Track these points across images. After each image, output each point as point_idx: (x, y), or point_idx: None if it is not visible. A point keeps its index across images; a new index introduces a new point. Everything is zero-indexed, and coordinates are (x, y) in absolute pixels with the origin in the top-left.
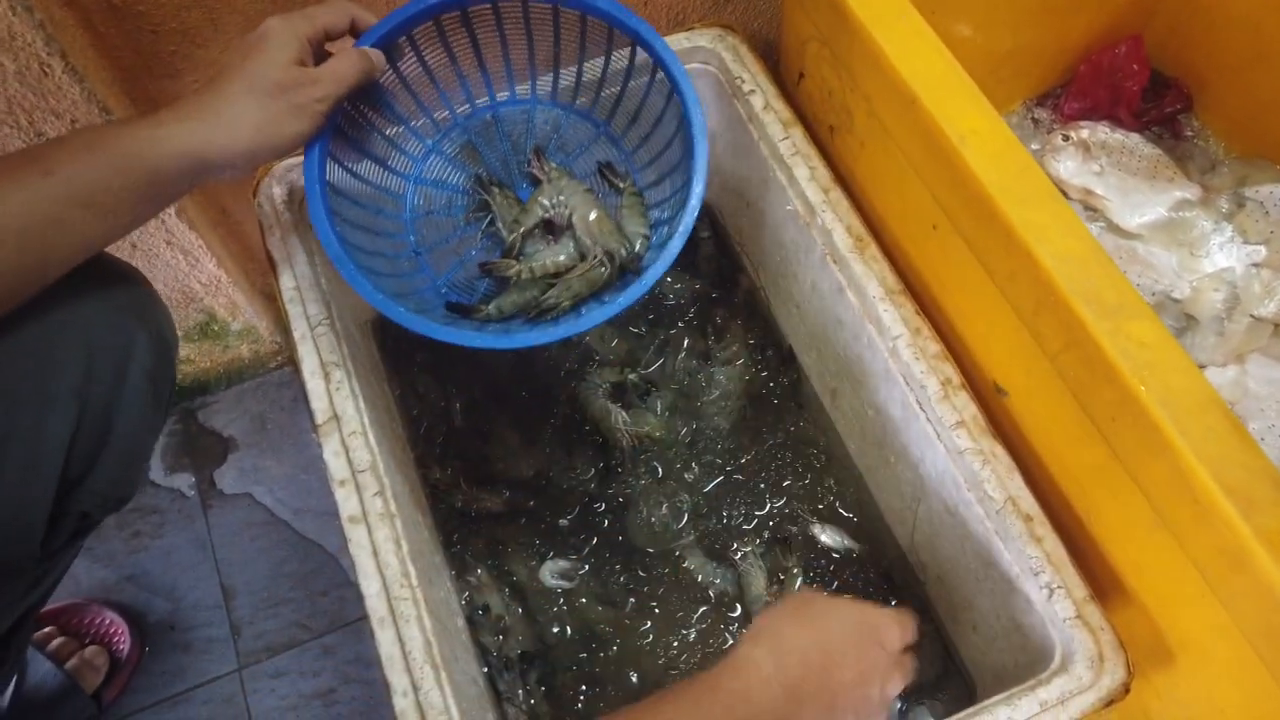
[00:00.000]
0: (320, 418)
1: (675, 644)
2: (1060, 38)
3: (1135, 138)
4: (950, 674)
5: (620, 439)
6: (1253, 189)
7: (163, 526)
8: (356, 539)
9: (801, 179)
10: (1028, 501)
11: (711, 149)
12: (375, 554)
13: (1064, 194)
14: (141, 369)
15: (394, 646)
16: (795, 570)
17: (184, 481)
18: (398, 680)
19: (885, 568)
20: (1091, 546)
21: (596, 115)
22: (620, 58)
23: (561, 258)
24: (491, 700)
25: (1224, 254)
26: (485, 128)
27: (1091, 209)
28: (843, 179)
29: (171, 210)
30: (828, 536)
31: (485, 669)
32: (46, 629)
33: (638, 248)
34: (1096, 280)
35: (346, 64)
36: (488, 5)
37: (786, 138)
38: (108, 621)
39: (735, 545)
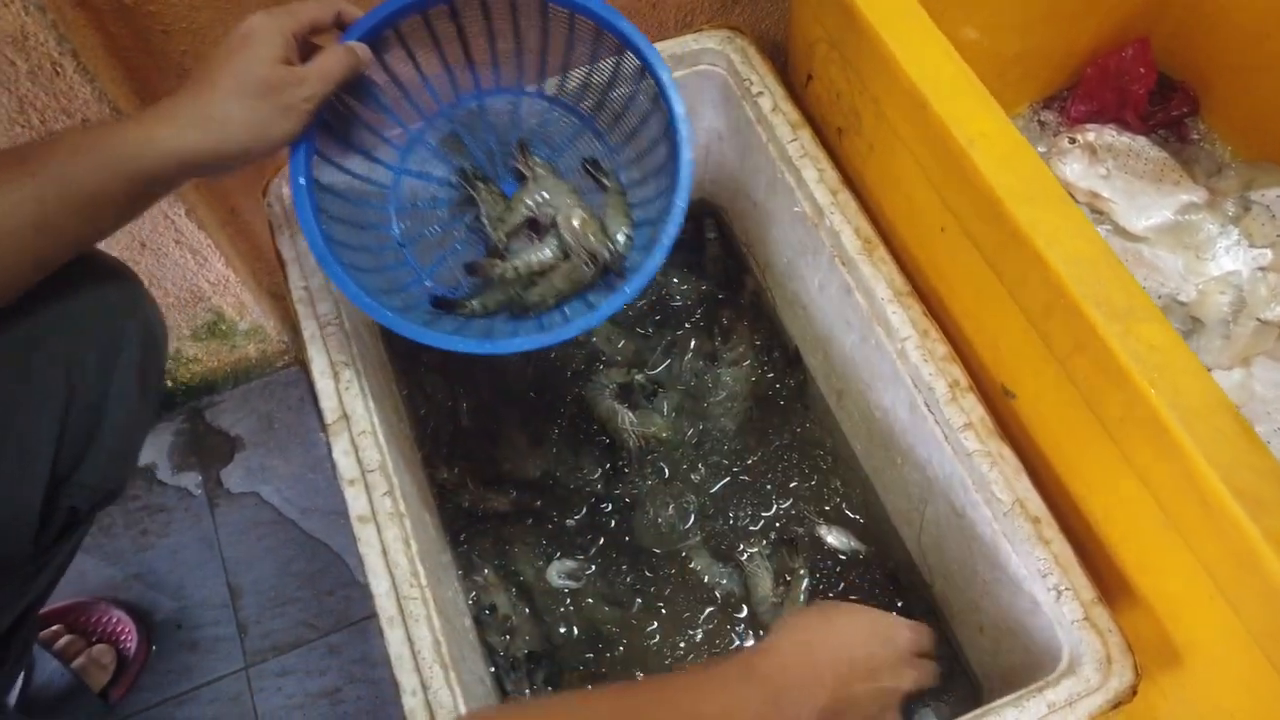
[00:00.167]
0: (330, 417)
1: (681, 644)
2: (1067, 41)
3: (1142, 141)
4: (956, 675)
5: (627, 440)
6: (1259, 192)
7: (170, 525)
8: (366, 538)
9: (810, 181)
10: (1035, 503)
11: (719, 150)
12: (385, 553)
13: (1070, 197)
14: (130, 363)
15: (403, 646)
16: (802, 571)
17: (191, 480)
18: (407, 679)
19: (892, 569)
20: (1099, 548)
21: (583, 110)
22: (608, 59)
23: (546, 254)
24: (499, 699)
25: (1230, 257)
26: (470, 117)
27: (1097, 212)
28: (851, 181)
29: (181, 209)
30: (834, 538)
31: (492, 668)
32: (54, 627)
33: (621, 247)
34: (1107, 283)
35: (333, 61)
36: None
37: (795, 139)
38: (115, 620)
39: (742, 546)
